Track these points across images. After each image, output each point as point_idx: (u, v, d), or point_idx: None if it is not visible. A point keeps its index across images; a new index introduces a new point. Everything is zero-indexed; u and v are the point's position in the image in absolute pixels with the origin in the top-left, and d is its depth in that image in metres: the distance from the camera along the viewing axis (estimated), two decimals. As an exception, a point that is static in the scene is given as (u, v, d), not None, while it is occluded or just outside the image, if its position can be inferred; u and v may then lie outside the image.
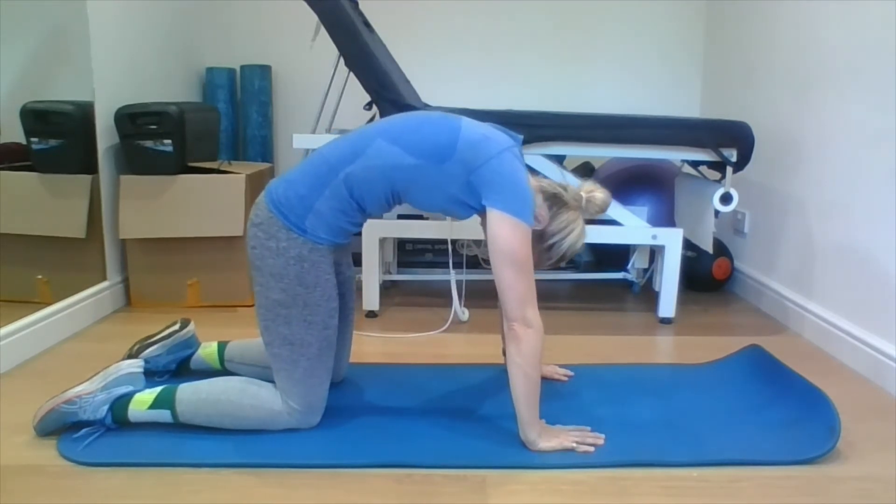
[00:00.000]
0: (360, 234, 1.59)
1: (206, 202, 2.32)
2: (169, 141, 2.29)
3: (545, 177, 1.99)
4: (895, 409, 1.71)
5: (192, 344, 1.77)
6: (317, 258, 1.42)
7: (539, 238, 1.50)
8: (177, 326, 1.76)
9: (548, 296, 2.67)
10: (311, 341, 1.44)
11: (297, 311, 1.42)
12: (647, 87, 3.22)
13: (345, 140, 1.46)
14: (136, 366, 1.52)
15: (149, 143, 2.29)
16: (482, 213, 1.43)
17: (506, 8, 3.14)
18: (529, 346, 1.38)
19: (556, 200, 1.52)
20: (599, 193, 1.52)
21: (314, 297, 1.43)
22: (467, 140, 1.41)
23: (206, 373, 1.71)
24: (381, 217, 2.24)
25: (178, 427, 1.46)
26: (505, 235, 1.37)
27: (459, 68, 3.17)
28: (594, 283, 2.82)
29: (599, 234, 2.33)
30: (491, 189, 1.39)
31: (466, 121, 1.48)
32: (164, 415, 1.45)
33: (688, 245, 2.55)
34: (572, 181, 2.07)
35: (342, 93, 2.47)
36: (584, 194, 1.52)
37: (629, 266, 2.65)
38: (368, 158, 1.42)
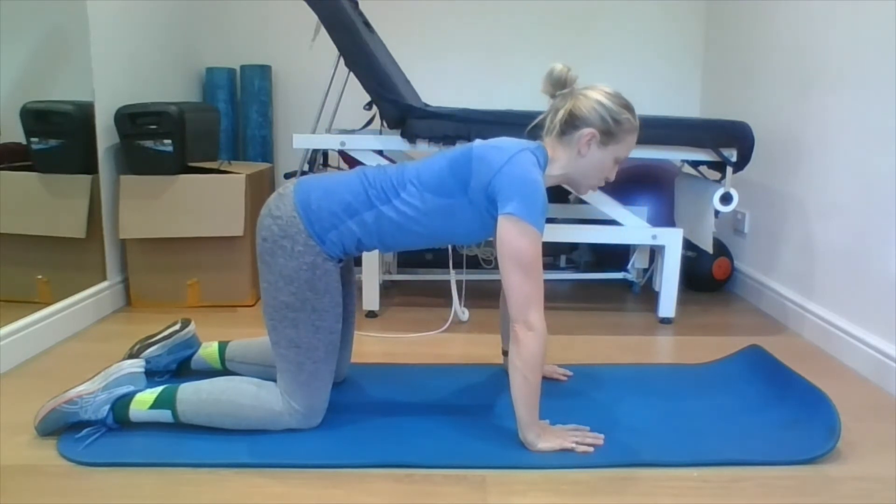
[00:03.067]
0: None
1: (206, 202, 2.32)
2: (169, 141, 2.29)
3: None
4: (895, 409, 1.71)
5: (192, 344, 1.77)
6: (329, 267, 1.43)
7: (606, 134, 1.46)
8: (177, 326, 1.76)
9: (548, 296, 2.65)
10: (317, 345, 1.44)
11: (305, 315, 1.42)
12: (648, 87, 3.22)
13: (387, 174, 1.47)
14: (137, 365, 1.52)
15: (149, 143, 2.29)
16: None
17: (506, 8, 3.14)
18: (529, 350, 1.38)
19: (566, 121, 1.47)
20: (554, 70, 1.47)
21: (323, 303, 1.43)
22: (478, 155, 1.43)
23: (207, 373, 1.71)
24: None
25: (179, 427, 1.46)
26: (512, 238, 1.37)
27: (459, 68, 3.18)
28: (594, 283, 2.82)
29: (599, 234, 2.34)
30: (503, 196, 1.39)
31: (479, 141, 1.49)
32: (164, 415, 1.45)
33: (688, 245, 2.55)
34: None
35: (342, 93, 2.47)
36: (557, 91, 1.48)
37: (629, 266, 2.65)
38: (402, 203, 1.43)
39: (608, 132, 1.46)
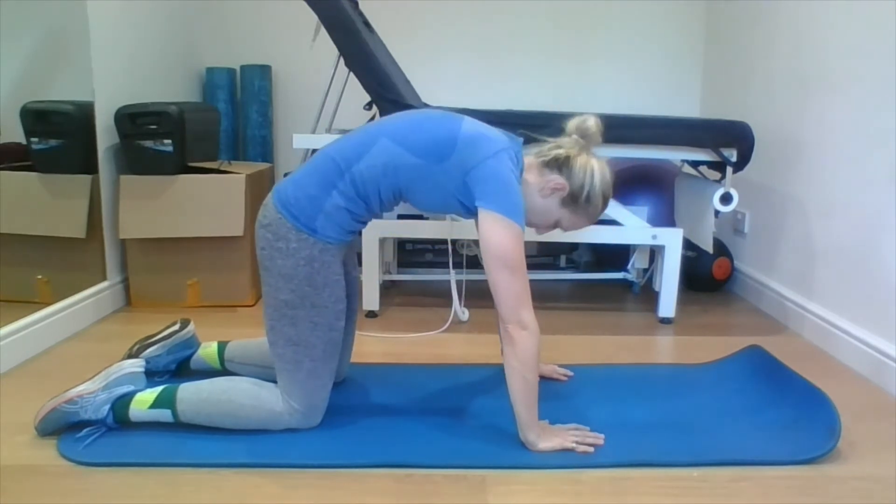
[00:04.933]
0: (360, 233, 1.59)
1: (206, 202, 2.32)
2: (169, 141, 2.29)
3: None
4: (895, 409, 1.71)
5: (192, 344, 1.77)
6: (327, 258, 1.42)
7: (572, 199, 1.48)
8: (177, 326, 1.76)
9: (548, 296, 2.67)
10: (315, 343, 1.44)
11: (304, 311, 1.42)
12: (648, 87, 3.22)
13: (349, 139, 1.46)
14: (137, 365, 1.52)
15: (149, 143, 2.29)
16: (475, 214, 1.42)
17: (506, 8, 3.14)
18: (525, 349, 1.38)
19: (559, 160, 1.48)
20: (589, 120, 1.49)
21: (322, 299, 1.43)
22: (466, 138, 1.41)
23: (207, 373, 1.71)
24: (381, 216, 2.24)
25: (179, 427, 1.46)
26: (497, 237, 1.37)
27: (460, 68, 3.17)
28: (594, 283, 2.82)
29: (599, 234, 2.34)
30: (484, 189, 1.38)
31: (468, 119, 1.48)
32: (164, 414, 1.45)
33: (688, 245, 2.55)
34: None
35: (342, 93, 2.47)
36: (576, 135, 1.50)
37: (629, 266, 2.65)
38: (373, 157, 1.41)
39: (575, 199, 1.48)
